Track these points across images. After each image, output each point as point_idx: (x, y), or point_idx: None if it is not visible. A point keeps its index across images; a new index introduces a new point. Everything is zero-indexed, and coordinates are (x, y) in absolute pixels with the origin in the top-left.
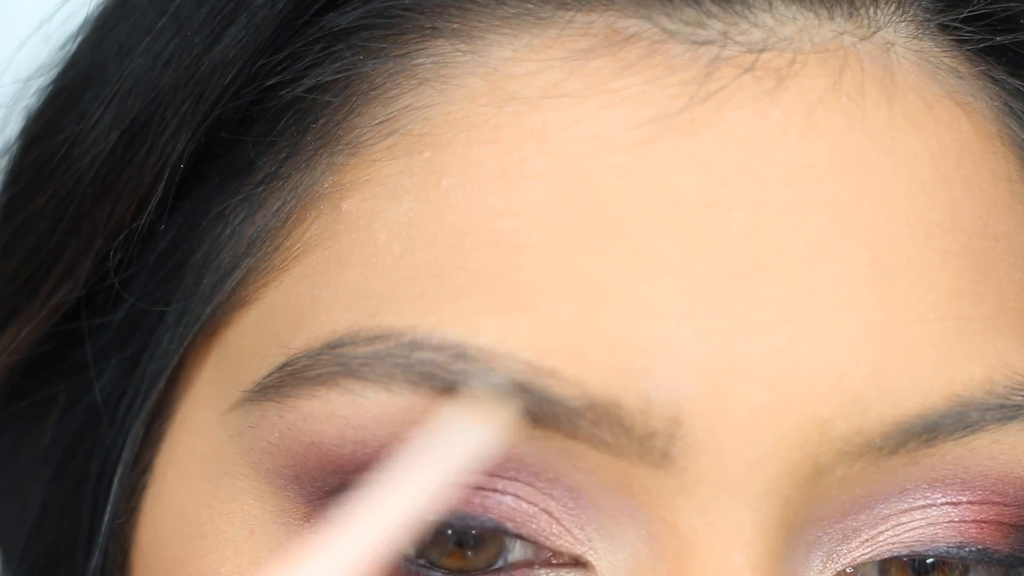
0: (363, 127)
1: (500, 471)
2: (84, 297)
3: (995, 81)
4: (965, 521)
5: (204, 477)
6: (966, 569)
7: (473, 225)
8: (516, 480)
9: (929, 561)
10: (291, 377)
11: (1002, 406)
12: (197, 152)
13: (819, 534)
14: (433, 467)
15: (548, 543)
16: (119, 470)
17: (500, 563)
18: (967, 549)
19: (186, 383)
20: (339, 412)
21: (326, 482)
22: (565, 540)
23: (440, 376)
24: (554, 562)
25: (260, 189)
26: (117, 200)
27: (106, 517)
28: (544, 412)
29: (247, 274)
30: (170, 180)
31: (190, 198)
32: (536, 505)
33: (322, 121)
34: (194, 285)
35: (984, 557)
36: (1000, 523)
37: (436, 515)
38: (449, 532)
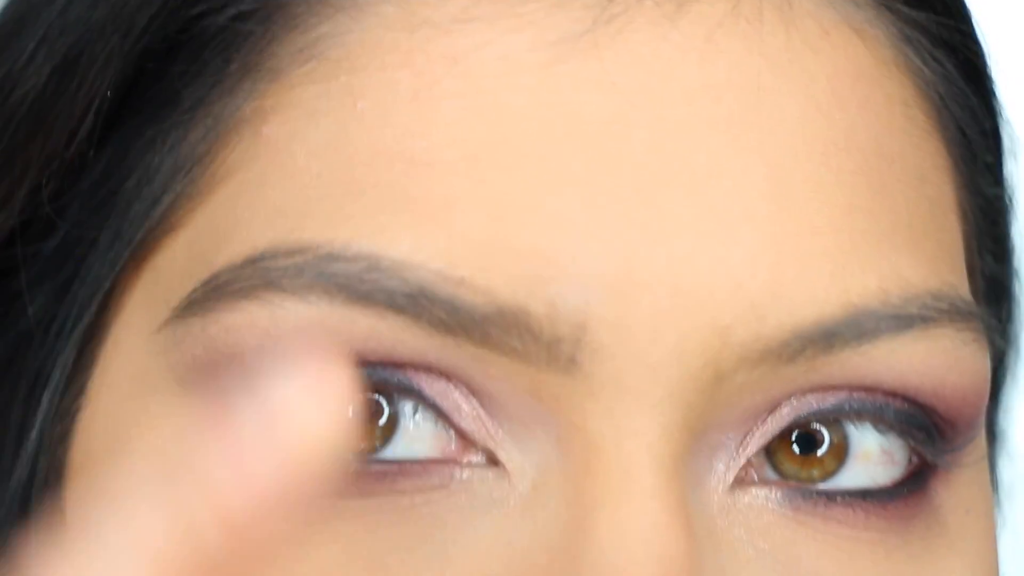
0: (283, 54)
1: (412, 368)
2: (18, 226)
3: (891, 10)
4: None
5: (133, 395)
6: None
7: (387, 145)
8: (429, 373)
9: (819, 438)
10: (214, 292)
11: (897, 316)
12: (126, 84)
13: (721, 438)
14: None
15: (460, 422)
16: (47, 391)
17: (403, 449)
18: (857, 402)
19: (117, 308)
20: (259, 323)
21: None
22: (476, 426)
23: (354, 286)
24: (466, 461)
25: (186, 117)
26: (49, 133)
27: (33, 434)
28: (454, 320)
29: (175, 199)
30: (100, 112)
31: (120, 129)
32: (447, 381)
33: (244, 50)
34: (125, 212)
35: (877, 411)
36: (890, 401)
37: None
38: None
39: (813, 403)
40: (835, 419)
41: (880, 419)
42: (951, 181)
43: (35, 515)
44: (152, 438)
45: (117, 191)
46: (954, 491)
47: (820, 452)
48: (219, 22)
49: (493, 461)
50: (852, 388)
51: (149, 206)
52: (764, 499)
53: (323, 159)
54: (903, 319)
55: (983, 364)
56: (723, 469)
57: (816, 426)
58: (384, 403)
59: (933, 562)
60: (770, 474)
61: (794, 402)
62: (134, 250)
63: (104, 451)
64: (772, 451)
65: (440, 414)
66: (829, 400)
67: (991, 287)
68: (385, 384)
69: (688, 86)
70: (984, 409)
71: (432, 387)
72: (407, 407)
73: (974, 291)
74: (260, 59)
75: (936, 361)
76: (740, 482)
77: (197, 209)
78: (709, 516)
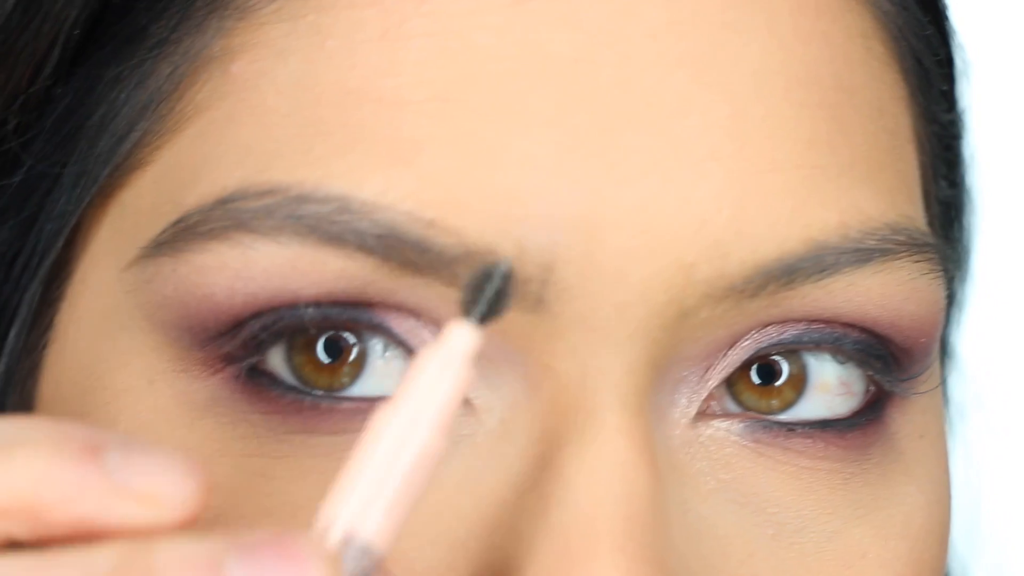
0: None
1: (382, 308)
2: None
3: None
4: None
5: (103, 332)
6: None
7: (356, 84)
8: (399, 311)
9: (778, 369)
10: (184, 232)
11: (856, 250)
12: (91, 18)
13: (684, 373)
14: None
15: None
16: (15, 326)
17: (371, 379)
18: (816, 332)
19: (84, 244)
20: (230, 264)
21: (218, 329)
22: None
23: (325, 228)
24: None
25: (153, 53)
26: (13, 66)
27: (0, 369)
28: (424, 261)
29: (142, 136)
30: (65, 46)
31: (85, 64)
32: (418, 321)
33: None
34: (90, 148)
35: (834, 341)
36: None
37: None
38: (320, 349)
39: (773, 334)
40: (794, 351)
41: (838, 350)
42: (908, 111)
43: None
44: (122, 377)
45: (82, 126)
46: (909, 418)
47: (779, 383)
48: None
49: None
50: (812, 320)
51: (115, 142)
52: (725, 431)
53: (291, 98)
54: (862, 252)
55: (939, 293)
56: (685, 403)
57: (776, 357)
58: (353, 340)
59: (889, 487)
60: (731, 405)
61: (755, 334)
62: (101, 187)
63: (75, 386)
64: (732, 383)
65: (409, 351)
66: (788, 332)
67: (945, 210)
68: (355, 322)
69: (654, 23)
70: (939, 336)
71: (401, 325)
72: (377, 345)
73: (929, 218)
74: None
75: (893, 292)
76: (702, 415)
77: (164, 146)
78: (672, 449)
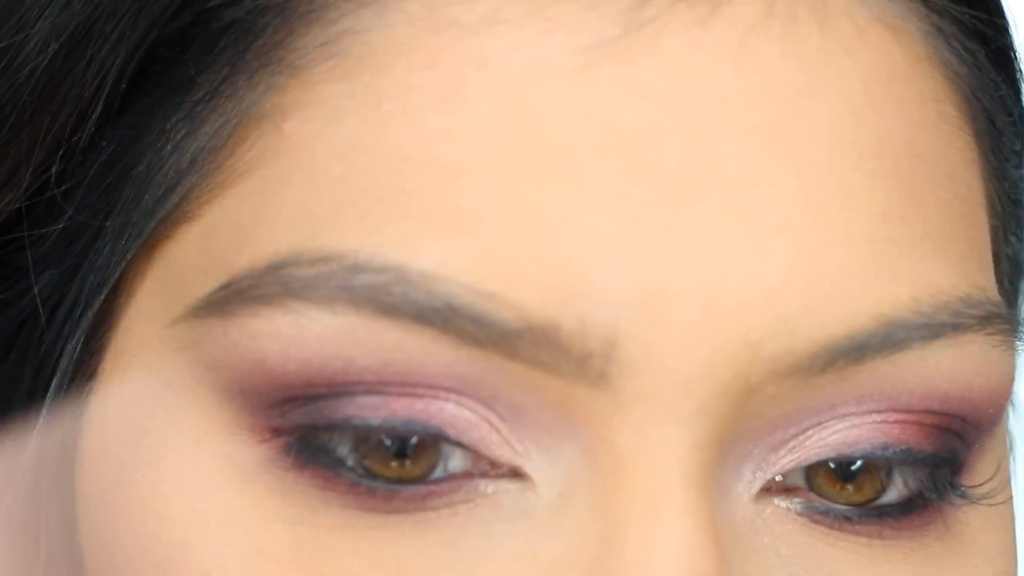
0: (303, 48)
1: (442, 385)
2: (24, 208)
3: (924, 2)
4: (888, 422)
5: (148, 388)
6: (890, 472)
7: (413, 149)
8: (458, 392)
9: (854, 468)
10: (235, 295)
11: (927, 324)
12: (138, 67)
13: (750, 448)
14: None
15: (487, 452)
16: (57, 375)
17: (439, 473)
18: (891, 449)
19: (128, 295)
20: (283, 331)
21: (270, 396)
22: (504, 450)
23: (381, 299)
24: (492, 473)
25: (200, 107)
26: (57, 112)
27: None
28: (483, 334)
29: (189, 191)
30: (110, 94)
31: (131, 112)
32: (477, 413)
33: (261, 41)
34: (135, 199)
35: (908, 457)
36: (922, 424)
37: (377, 421)
38: (388, 442)
39: (848, 451)
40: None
41: (911, 465)
42: (980, 174)
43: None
44: (169, 436)
45: (126, 177)
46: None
47: (851, 485)
48: (236, 14)
49: (518, 475)
50: (883, 414)
51: (161, 195)
52: (786, 508)
53: (347, 161)
54: (934, 327)
55: (1010, 365)
56: (749, 477)
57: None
58: (410, 451)
59: (953, 559)
60: (799, 481)
61: (828, 437)
62: (146, 239)
63: (120, 442)
64: (811, 473)
65: (468, 449)
66: (863, 447)
67: (1014, 267)
68: (411, 430)
69: (722, 92)
70: (1007, 406)
71: (458, 423)
72: (444, 447)
73: (999, 277)
74: (279, 52)
75: (965, 366)
76: (765, 491)
77: (213, 202)
78: (735, 524)
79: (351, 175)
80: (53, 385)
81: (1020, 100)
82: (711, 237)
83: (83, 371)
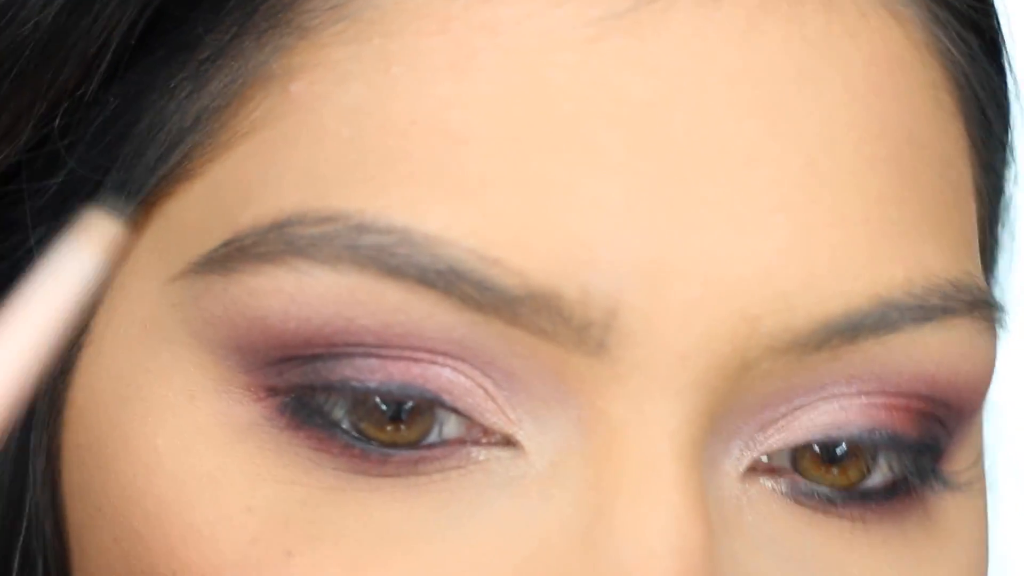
0: (313, 11)
1: (442, 350)
2: (24, 160)
3: None
4: (875, 405)
5: (143, 342)
6: (875, 456)
7: (421, 114)
8: (456, 358)
9: (839, 451)
10: (238, 252)
11: (920, 307)
12: (144, 23)
13: (740, 424)
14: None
15: (481, 419)
16: None
17: (433, 438)
18: (877, 433)
19: (125, 251)
20: (285, 288)
21: (268, 354)
22: (498, 418)
23: (385, 259)
24: (484, 441)
25: (207, 66)
26: (61, 66)
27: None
28: (485, 299)
29: (192, 149)
30: (116, 50)
31: (135, 69)
32: (473, 380)
33: (271, 2)
34: (136, 156)
35: (893, 442)
36: (909, 410)
37: (374, 383)
38: (384, 406)
39: (834, 432)
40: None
41: (894, 449)
42: (970, 163)
43: (32, 450)
44: (163, 391)
45: (127, 134)
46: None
47: (836, 468)
48: None
49: (511, 443)
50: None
51: (163, 152)
52: (771, 488)
53: (354, 123)
54: (926, 310)
55: (992, 351)
56: (738, 454)
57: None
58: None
59: (932, 546)
60: (784, 463)
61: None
62: (145, 195)
63: (111, 395)
64: (797, 455)
65: (462, 415)
66: (852, 429)
67: (994, 258)
68: (407, 395)
69: (729, 70)
70: (987, 392)
71: (454, 389)
72: (440, 412)
73: (984, 268)
74: (289, 14)
75: (952, 350)
76: (752, 469)
77: (216, 160)
78: (723, 501)
79: (358, 137)
80: None
81: (1008, 92)
82: (713, 213)
83: (75, 326)
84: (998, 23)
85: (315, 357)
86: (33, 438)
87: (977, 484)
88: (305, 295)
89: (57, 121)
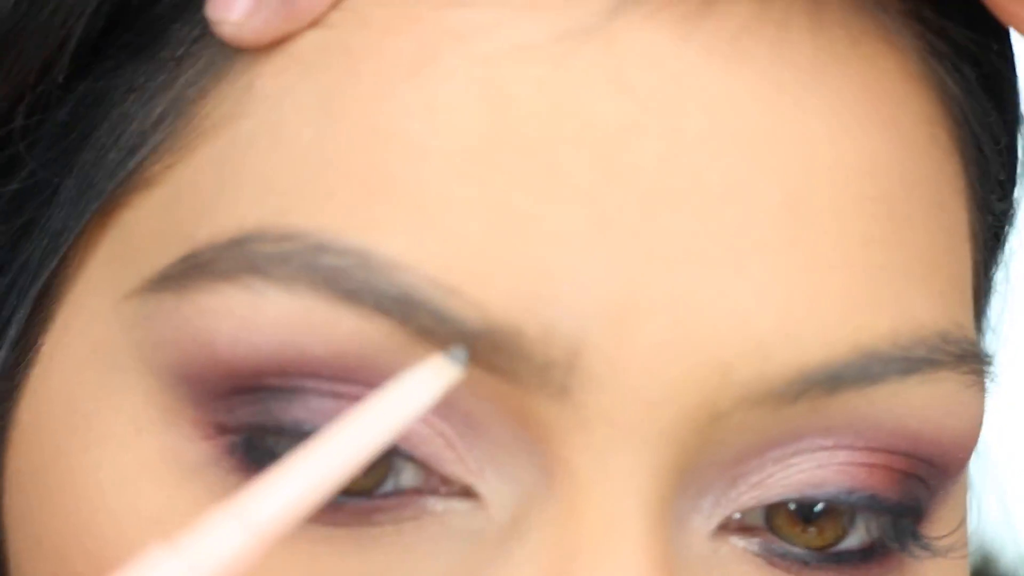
0: None
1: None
2: None
3: (921, 19)
4: (855, 464)
5: (93, 366)
6: (853, 517)
7: (383, 121)
8: None
9: (817, 509)
10: (194, 270)
11: (905, 359)
12: (108, 15)
13: (711, 479)
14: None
15: (440, 468)
16: (3, 346)
17: (389, 487)
18: (856, 495)
19: (80, 263)
20: (237, 310)
21: (217, 385)
22: (458, 467)
23: (342, 283)
24: (442, 491)
25: (171, 62)
26: (16, 60)
27: None
28: (443, 331)
29: (153, 152)
30: (78, 44)
31: (98, 66)
32: (432, 427)
33: None
34: (97, 159)
35: (873, 503)
36: (890, 469)
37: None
38: None
39: (811, 492)
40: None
41: (873, 511)
42: (966, 204)
43: None
44: (110, 420)
45: (89, 135)
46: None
47: (813, 528)
48: None
49: (470, 494)
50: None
51: (124, 155)
52: (743, 547)
53: (315, 124)
54: (911, 362)
55: (980, 406)
56: (708, 511)
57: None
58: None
59: None
60: (758, 521)
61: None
62: (103, 203)
63: (56, 421)
64: (771, 513)
65: (420, 464)
66: (828, 490)
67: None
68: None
69: (708, 95)
70: (974, 449)
71: (411, 437)
72: (396, 459)
73: (977, 313)
74: None
75: (937, 405)
76: (723, 528)
77: (176, 166)
78: (690, 561)
79: (318, 141)
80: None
81: (1010, 130)
82: (684, 250)
83: (26, 341)
84: (1000, 55)
85: (266, 392)
86: None
87: (959, 550)
88: (257, 319)
89: (17, 120)
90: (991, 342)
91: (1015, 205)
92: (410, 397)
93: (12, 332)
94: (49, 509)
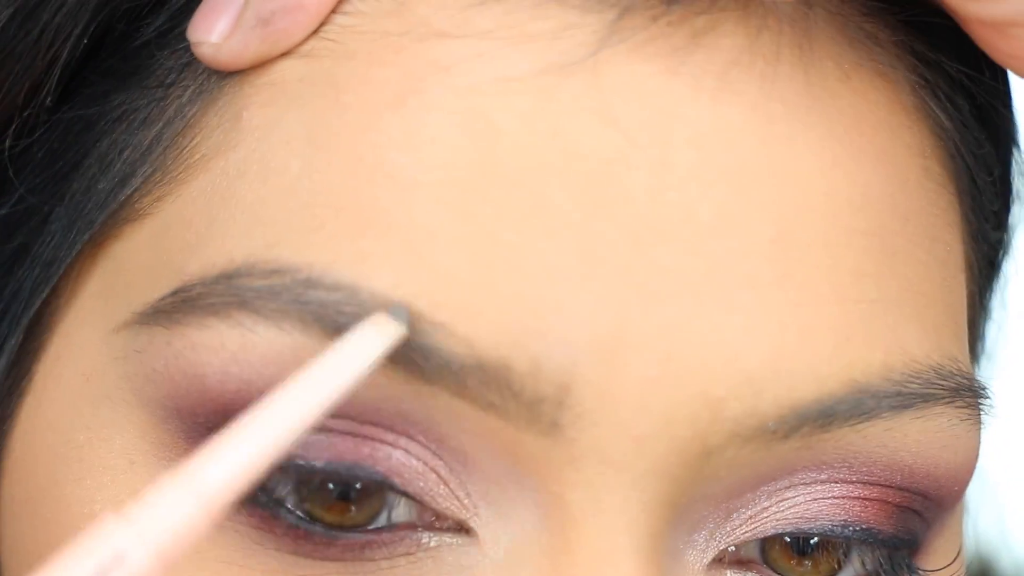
0: None
1: (390, 425)
2: None
3: (913, 52)
4: (849, 497)
5: (85, 397)
6: (848, 551)
7: (369, 153)
8: (406, 435)
9: (812, 542)
10: (184, 304)
11: (899, 393)
12: (96, 40)
13: (704, 513)
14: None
15: (434, 504)
16: None
17: (382, 521)
18: (851, 528)
19: (71, 293)
20: (227, 345)
21: (208, 419)
22: (451, 503)
23: (331, 318)
24: (437, 526)
25: (159, 90)
26: (5, 81)
27: None
28: (431, 367)
29: (143, 183)
30: (66, 66)
31: (86, 91)
32: (425, 463)
33: None
34: (88, 188)
35: (868, 537)
36: (885, 502)
37: (321, 463)
38: (331, 485)
39: (806, 526)
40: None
41: (870, 546)
42: (960, 236)
43: None
44: (102, 452)
45: (79, 163)
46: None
47: (808, 561)
48: None
49: (464, 529)
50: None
51: (115, 186)
52: None
53: (303, 156)
54: (904, 397)
55: (975, 440)
56: (703, 545)
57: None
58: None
59: None
60: (753, 554)
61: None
62: (94, 235)
63: (49, 451)
64: (766, 546)
65: (413, 499)
66: (823, 523)
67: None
68: (356, 476)
69: (697, 128)
70: (970, 482)
71: (404, 472)
72: (388, 495)
73: (972, 343)
74: None
75: (931, 439)
76: (717, 561)
77: (166, 198)
78: None
79: (306, 173)
80: None
81: (1004, 161)
82: (674, 284)
83: (18, 371)
84: (993, 87)
85: None
86: None
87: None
88: (247, 354)
89: (7, 143)
90: (986, 368)
91: (1010, 232)
92: (354, 357)
93: (4, 361)
94: (43, 539)
